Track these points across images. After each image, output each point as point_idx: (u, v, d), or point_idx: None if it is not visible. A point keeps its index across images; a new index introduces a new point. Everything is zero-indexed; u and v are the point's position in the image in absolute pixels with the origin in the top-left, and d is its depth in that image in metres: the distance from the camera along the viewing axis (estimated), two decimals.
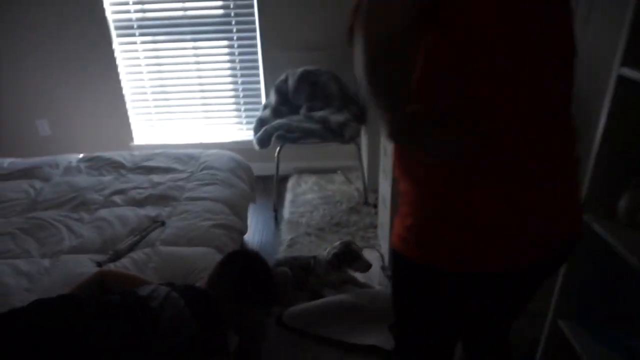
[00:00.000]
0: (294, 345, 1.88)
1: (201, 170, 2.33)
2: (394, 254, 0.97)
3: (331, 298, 2.08)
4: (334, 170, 3.42)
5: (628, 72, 1.06)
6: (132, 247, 1.69)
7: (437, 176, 0.84)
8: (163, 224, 1.85)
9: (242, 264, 1.45)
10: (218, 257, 1.64)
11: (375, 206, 2.90)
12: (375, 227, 2.70)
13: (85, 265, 1.53)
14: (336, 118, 2.76)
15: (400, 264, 0.98)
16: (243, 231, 2.03)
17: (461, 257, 0.86)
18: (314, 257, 2.19)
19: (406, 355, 1.13)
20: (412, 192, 0.90)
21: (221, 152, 2.54)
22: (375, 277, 2.27)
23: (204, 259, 1.64)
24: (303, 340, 1.90)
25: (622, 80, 1.09)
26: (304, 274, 2.15)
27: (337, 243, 2.16)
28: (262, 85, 3.26)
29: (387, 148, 2.15)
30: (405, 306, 1.05)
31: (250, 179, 2.52)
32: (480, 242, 0.84)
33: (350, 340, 1.89)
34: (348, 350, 1.85)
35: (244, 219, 2.14)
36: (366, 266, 2.12)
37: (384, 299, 2.04)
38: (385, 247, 2.31)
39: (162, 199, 2.04)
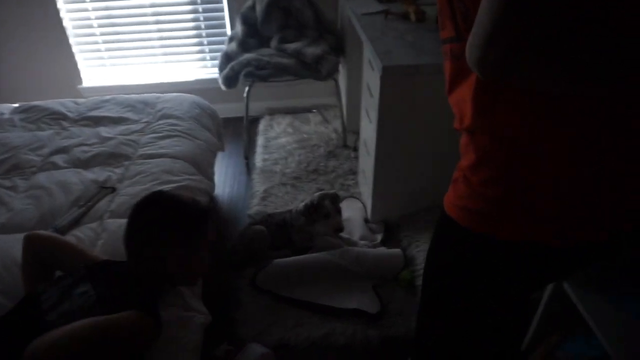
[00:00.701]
0: (272, 311, 1.74)
1: (158, 119, 2.04)
2: (457, 228, 0.77)
3: (310, 256, 1.92)
4: (309, 110, 3.15)
5: None
6: (76, 221, 1.45)
7: (534, 134, 0.66)
8: (113, 190, 1.60)
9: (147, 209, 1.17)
10: None
11: (355, 149, 2.69)
12: (355, 173, 2.51)
13: (19, 249, 1.29)
14: (312, 50, 2.45)
15: (467, 240, 0.78)
16: (210, 192, 1.80)
17: (558, 228, 0.71)
18: (290, 211, 2.01)
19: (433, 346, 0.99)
20: (497, 154, 0.69)
21: (181, 97, 2.23)
22: (356, 229, 2.11)
23: None
24: (281, 305, 1.76)
25: None
26: (281, 232, 1.97)
27: (317, 194, 1.98)
28: (226, 14, 2.86)
29: (371, 87, 1.89)
30: (456, 284, 0.86)
31: (217, 126, 2.24)
32: (577, 213, 0.71)
33: (331, 304, 1.76)
34: (329, 314, 1.72)
35: (210, 176, 1.90)
36: (336, 228, 1.95)
37: (369, 259, 1.90)
38: (367, 195, 2.13)
39: (112, 158, 1.77)
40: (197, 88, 2.94)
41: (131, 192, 1.57)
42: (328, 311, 1.73)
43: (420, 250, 1.89)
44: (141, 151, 1.82)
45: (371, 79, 1.88)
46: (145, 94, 2.28)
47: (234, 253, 1.93)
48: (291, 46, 2.51)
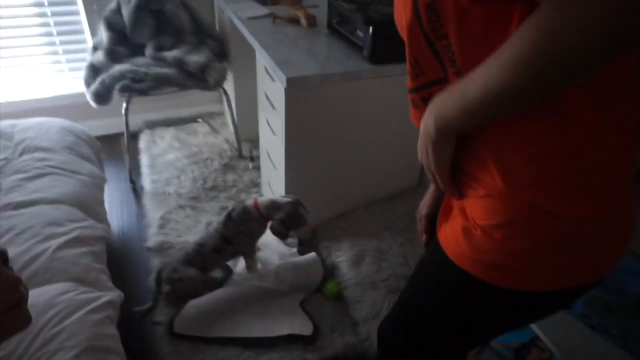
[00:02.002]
0: (199, 356, 1.57)
1: (20, 154, 1.67)
2: (476, 283, 0.70)
3: (226, 289, 1.78)
4: (193, 120, 2.91)
5: None
6: None
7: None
8: None
9: None
10: (81, 296, 1.18)
11: (252, 159, 2.56)
12: (257, 185, 2.39)
13: None
14: (194, 59, 2.24)
15: (479, 289, 0.71)
16: (108, 237, 1.53)
17: (599, 263, 0.68)
18: (199, 245, 1.71)
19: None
20: (536, 221, 0.63)
21: (45, 122, 1.86)
22: (273, 248, 2.01)
23: (57, 305, 1.14)
24: (208, 347, 1.60)
25: None
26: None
27: (285, 204, 1.65)
28: (83, 17, 2.47)
29: (272, 98, 1.79)
30: (460, 320, 0.81)
31: (97, 154, 1.93)
32: (617, 242, 0.68)
33: (262, 334, 1.65)
34: (262, 346, 1.61)
35: (103, 217, 1.61)
36: (311, 231, 1.82)
37: (289, 272, 1.82)
38: None
39: None
40: (56, 106, 2.53)
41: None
42: (260, 343, 1.62)
43: (342, 261, 1.87)
44: (6, 199, 1.47)
45: (271, 89, 1.78)
46: None
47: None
48: (170, 54, 2.27)
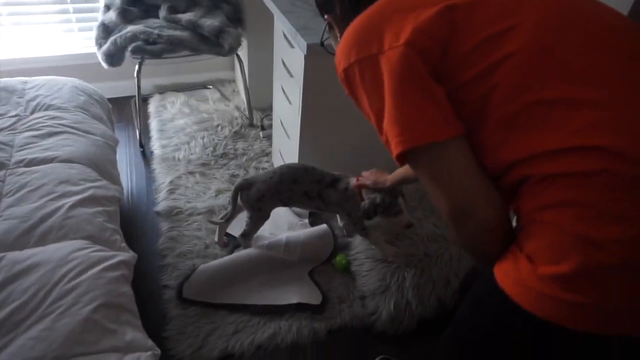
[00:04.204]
0: (207, 321, 1.58)
1: (32, 112, 1.64)
2: (535, 323, 0.64)
3: (236, 255, 1.77)
4: (204, 86, 2.87)
5: None
6: None
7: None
8: None
9: None
10: (96, 254, 1.17)
11: (263, 128, 2.53)
12: (267, 154, 2.37)
13: None
14: (209, 22, 2.19)
15: (539, 329, 0.65)
16: (120, 198, 1.51)
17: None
18: (293, 182, 1.64)
19: None
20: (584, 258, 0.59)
21: (56, 80, 1.83)
22: (282, 218, 2.00)
23: (72, 261, 1.14)
24: (216, 313, 1.61)
25: None
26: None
27: (373, 195, 1.56)
28: None
29: (290, 65, 1.76)
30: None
31: (108, 115, 1.90)
32: None
33: (271, 302, 1.66)
34: (270, 313, 1.62)
35: (116, 178, 1.60)
36: (407, 225, 1.63)
37: (300, 243, 1.82)
38: None
39: None
40: (64, 65, 2.49)
41: (18, 213, 1.24)
42: (269, 310, 1.63)
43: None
44: (19, 156, 1.45)
45: (289, 57, 1.73)
46: (6, 79, 1.82)
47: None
48: (184, 17, 2.22)
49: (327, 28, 0.97)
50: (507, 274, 0.67)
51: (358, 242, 1.83)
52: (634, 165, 0.57)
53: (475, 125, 0.69)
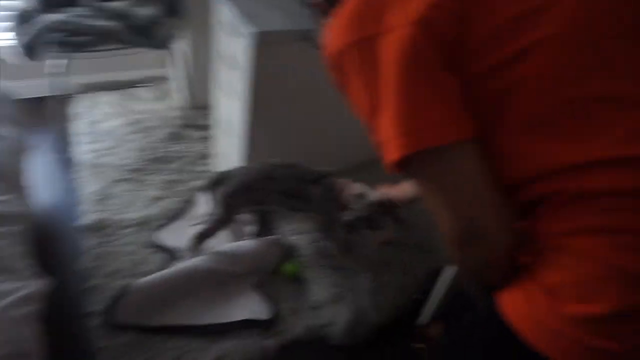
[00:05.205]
0: (143, 348, 1.41)
1: None
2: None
3: (173, 270, 1.60)
4: (134, 84, 2.64)
5: None
6: None
7: None
8: None
9: None
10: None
11: (203, 128, 2.35)
12: (207, 157, 2.20)
13: None
14: (141, 12, 1.99)
15: None
16: (31, 214, 1.30)
17: None
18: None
19: None
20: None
21: None
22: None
23: None
24: (153, 337, 1.44)
25: None
26: None
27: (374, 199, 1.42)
28: None
29: (232, 57, 1.60)
30: None
31: (17, 116, 1.66)
32: None
33: (215, 320, 1.51)
34: (214, 333, 1.47)
35: (25, 190, 1.38)
36: (387, 241, 1.55)
37: (247, 253, 1.68)
38: None
39: None
40: None
41: None
42: (213, 330, 1.48)
43: (299, 239, 1.75)
44: None
45: (233, 47, 1.58)
46: None
47: None
48: (112, 5, 2.00)
49: (313, 14, 0.80)
50: (516, 307, 0.57)
51: (308, 246, 1.71)
52: None
53: (492, 126, 0.56)
